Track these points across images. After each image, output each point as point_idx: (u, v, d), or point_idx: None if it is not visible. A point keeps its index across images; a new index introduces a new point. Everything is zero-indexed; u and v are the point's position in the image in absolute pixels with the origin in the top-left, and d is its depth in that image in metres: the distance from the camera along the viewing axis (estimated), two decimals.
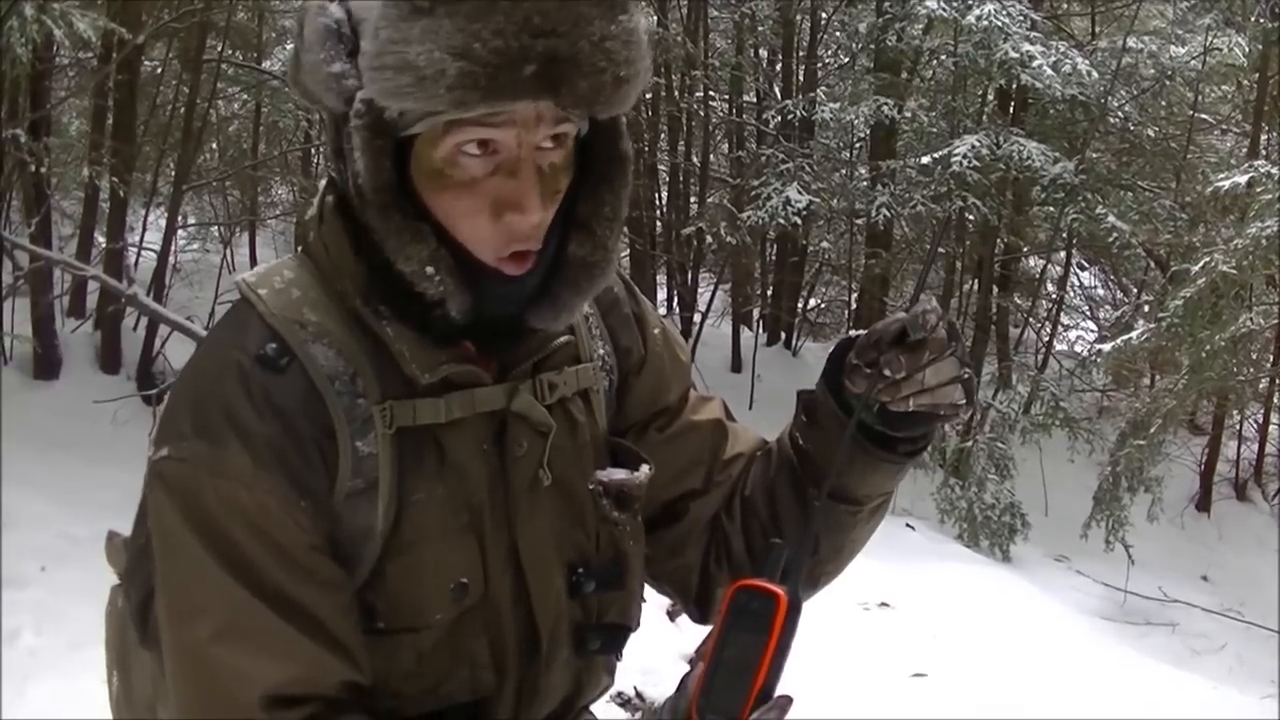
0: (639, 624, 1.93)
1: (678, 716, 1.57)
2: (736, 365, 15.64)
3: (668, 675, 5.08)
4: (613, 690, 2.19)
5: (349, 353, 1.62)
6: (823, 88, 14.52)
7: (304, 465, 1.58)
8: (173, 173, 12.44)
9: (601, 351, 1.89)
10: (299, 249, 1.75)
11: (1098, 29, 14.74)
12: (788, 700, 1.52)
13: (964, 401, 1.69)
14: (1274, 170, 9.86)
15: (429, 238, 1.54)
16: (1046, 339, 15.84)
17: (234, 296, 1.69)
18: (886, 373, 1.65)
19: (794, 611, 1.51)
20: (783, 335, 16.57)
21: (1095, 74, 12.29)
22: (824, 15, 15.41)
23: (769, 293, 16.92)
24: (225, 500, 1.54)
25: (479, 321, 1.61)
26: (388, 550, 1.64)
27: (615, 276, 1.87)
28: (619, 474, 1.83)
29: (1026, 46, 11.59)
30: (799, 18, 15.42)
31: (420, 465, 1.65)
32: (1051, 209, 13.66)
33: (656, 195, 16.39)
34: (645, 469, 1.85)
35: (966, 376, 1.69)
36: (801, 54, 15.72)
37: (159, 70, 12.98)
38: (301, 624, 1.56)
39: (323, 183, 1.69)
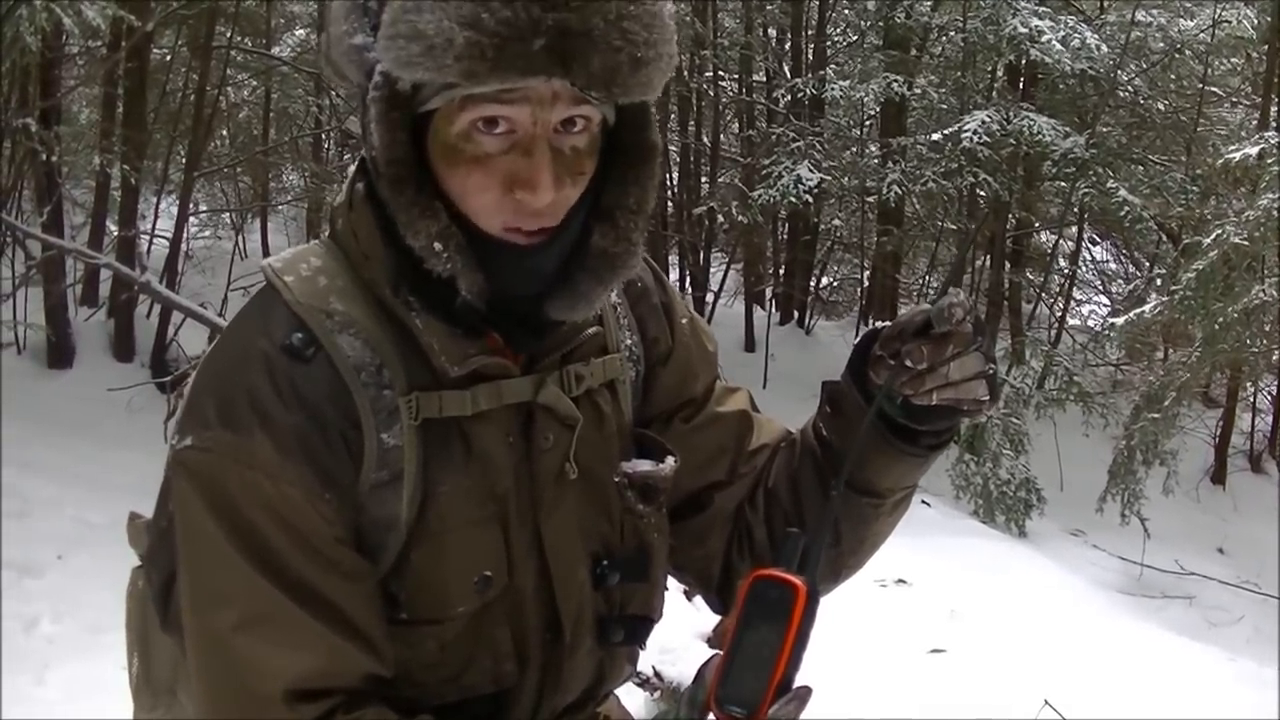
0: (661, 615, 1.92)
1: (696, 707, 1.56)
2: (750, 345, 15.66)
3: (685, 655, 5.07)
4: None
5: (375, 343, 1.61)
6: (832, 65, 14.52)
7: (329, 456, 1.57)
8: (183, 160, 12.46)
9: (629, 342, 1.88)
10: (326, 234, 1.74)
11: (1106, 3, 14.70)
12: (807, 691, 1.51)
13: (987, 397, 1.67)
14: None
15: (440, 214, 1.53)
16: (1059, 314, 15.86)
17: (247, 283, 1.69)
18: (909, 364, 1.63)
19: (813, 601, 1.50)
20: (795, 314, 16.59)
21: (1104, 48, 12.30)
22: None
23: (781, 271, 16.95)
24: (249, 489, 1.53)
25: (500, 309, 1.60)
26: (412, 540, 1.63)
27: (644, 266, 1.86)
28: (644, 466, 1.82)
29: (1035, 21, 11.59)
30: None
31: (446, 456, 1.64)
32: (1063, 184, 13.67)
33: (667, 176, 16.41)
34: (671, 461, 1.84)
35: (991, 372, 1.67)
36: (810, 32, 15.73)
37: (168, 57, 13.01)
38: (323, 615, 1.56)
39: (353, 168, 1.68)
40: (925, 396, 1.65)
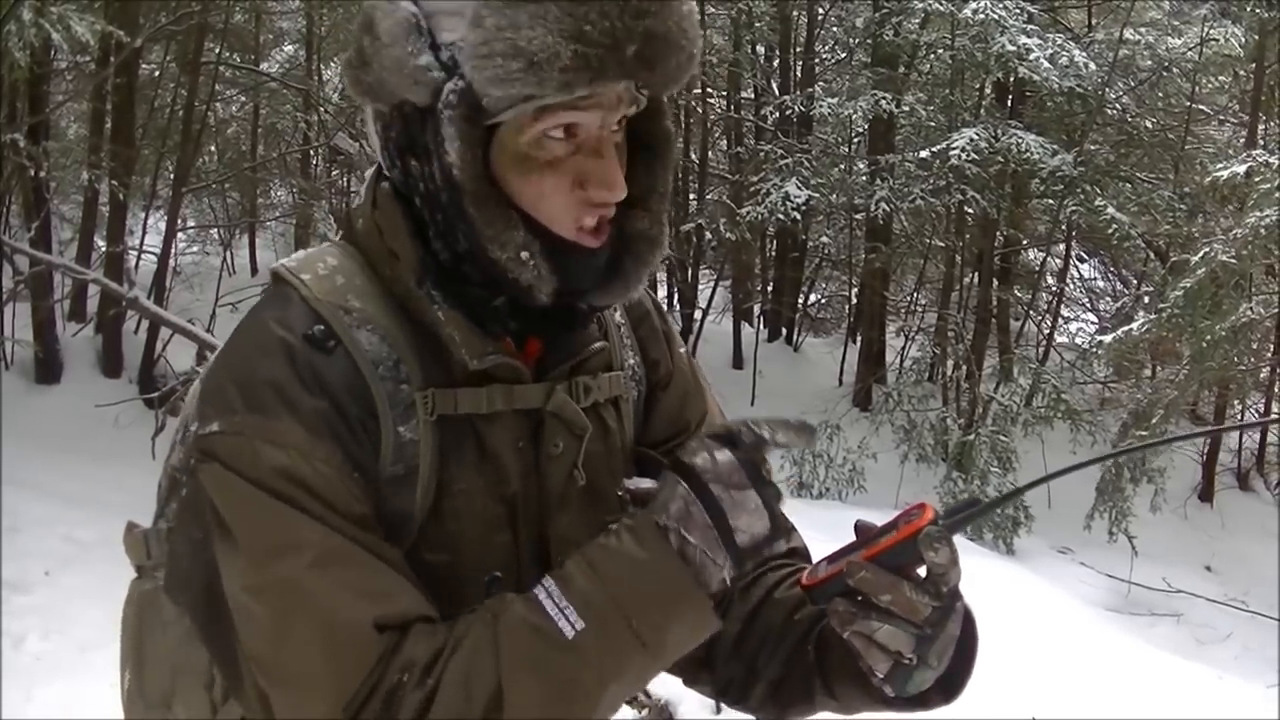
0: None
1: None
2: (738, 362, 15.67)
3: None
4: None
5: (392, 339, 1.62)
6: (820, 83, 14.57)
7: (353, 441, 1.57)
8: (172, 175, 12.48)
9: (631, 362, 1.90)
10: (340, 236, 1.75)
11: (1094, 21, 14.77)
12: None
13: (881, 676, 1.59)
14: (1272, 160, 9.89)
15: (519, 224, 1.56)
16: (1047, 331, 15.88)
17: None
18: (850, 582, 1.56)
19: (929, 531, 1.55)
20: (784, 331, 16.62)
21: (1092, 66, 12.34)
22: (821, 10, 15.45)
23: (769, 288, 16.96)
24: (282, 468, 1.53)
25: (531, 310, 1.64)
26: (424, 539, 1.63)
27: (644, 292, 1.89)
28: (646, 483, 1.76)
29: (1023, 39, 11.64)
30: (796, 13, 15.46)
31: (461, 455, 1.65)
32: (1051, 201, 13.72)
33: None
34: None
35: (909, 664, 1.59)
36: (799, 49, 15.77)
37: (157, 73, 13.03)
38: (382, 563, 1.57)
39: (370, 172, 1.70)
40: (845, 627, 1.59)
